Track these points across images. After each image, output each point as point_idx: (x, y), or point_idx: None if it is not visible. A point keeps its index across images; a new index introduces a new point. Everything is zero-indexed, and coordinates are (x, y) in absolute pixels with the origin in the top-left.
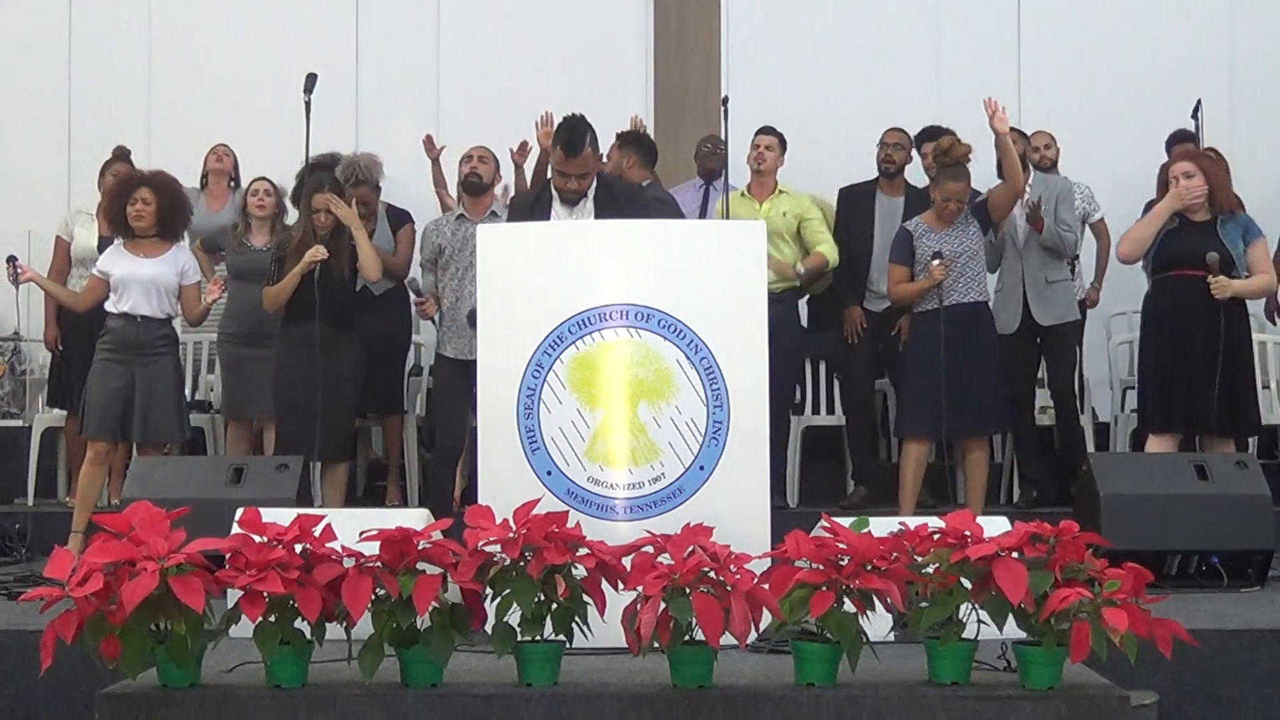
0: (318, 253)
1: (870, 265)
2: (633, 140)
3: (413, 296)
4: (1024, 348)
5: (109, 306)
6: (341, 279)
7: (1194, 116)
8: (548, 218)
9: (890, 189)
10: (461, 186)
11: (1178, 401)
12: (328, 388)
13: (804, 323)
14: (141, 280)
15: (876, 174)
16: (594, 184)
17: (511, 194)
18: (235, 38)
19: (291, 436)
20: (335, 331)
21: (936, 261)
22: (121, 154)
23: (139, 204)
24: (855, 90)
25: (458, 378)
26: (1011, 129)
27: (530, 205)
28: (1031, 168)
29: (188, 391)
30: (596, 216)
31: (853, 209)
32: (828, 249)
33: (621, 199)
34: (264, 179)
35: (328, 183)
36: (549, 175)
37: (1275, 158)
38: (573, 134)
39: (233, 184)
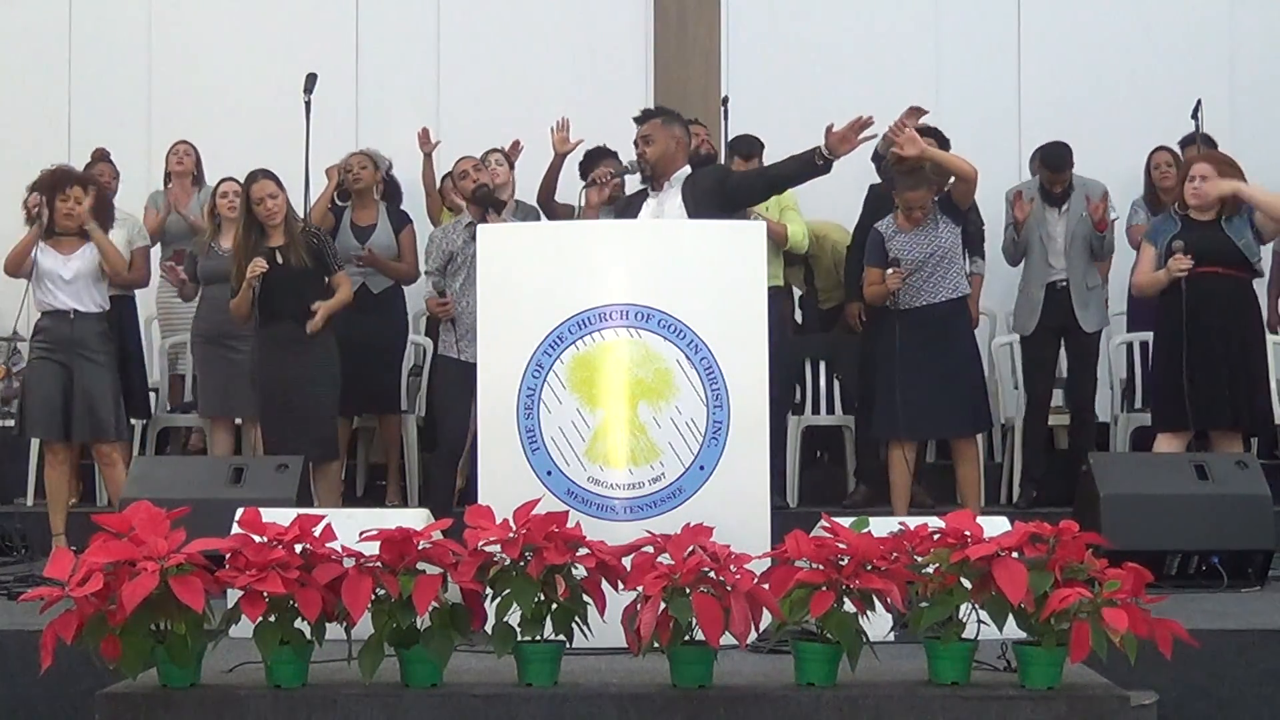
0: (257, 266)
1: None
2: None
3: (432, 295)
4: (1045, 349)
5: (39, 305)
6: (302, 274)
7: (1194, 116)
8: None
9: None
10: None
11: (1191, 400)
12: (300, 388)
13: (798, 320)
14: (67, 277)
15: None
16: (686, 173)
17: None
18: (235, 38)
19: (272, 438)
20: (302, 330)
21: (890, 271)
22: (102, 155)
23: (71, 201)
24: (855, 90)
25: (464, 380)
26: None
27: (627, 201)
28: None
29: (192, 393)
30: (684, 203)
31: (879, 205)
32: (794, 229)
33: (703, 181)
34: (231, 179)
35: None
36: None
37: (1275, 157)
38: (645, 110)
39: (195, 184)
